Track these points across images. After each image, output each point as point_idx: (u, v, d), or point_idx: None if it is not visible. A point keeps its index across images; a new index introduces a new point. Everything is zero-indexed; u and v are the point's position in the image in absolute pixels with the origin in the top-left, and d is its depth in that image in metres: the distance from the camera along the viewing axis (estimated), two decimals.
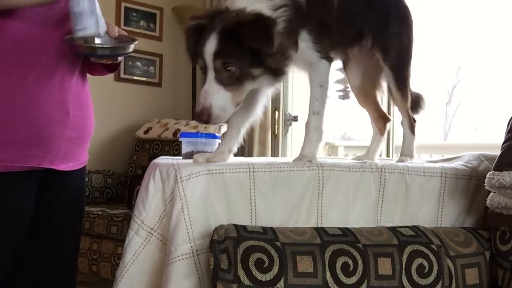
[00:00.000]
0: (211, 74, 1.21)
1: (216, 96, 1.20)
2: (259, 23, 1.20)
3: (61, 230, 1.47)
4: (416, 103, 1.70)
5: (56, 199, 1.44)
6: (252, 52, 1.20)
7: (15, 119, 1.27)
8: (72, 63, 1.38)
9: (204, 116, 1.21)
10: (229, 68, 1.20)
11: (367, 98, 1.73)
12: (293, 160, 1.45)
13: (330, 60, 1.45)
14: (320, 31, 1.40)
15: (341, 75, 1.77)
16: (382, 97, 1.76)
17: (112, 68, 1.50)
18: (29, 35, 1.29)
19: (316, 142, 1.45)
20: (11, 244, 1.34)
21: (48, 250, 1.45)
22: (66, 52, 1.35)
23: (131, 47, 1.36)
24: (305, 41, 1.38)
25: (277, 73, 1.28)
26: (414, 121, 1.67)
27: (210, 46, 1.20)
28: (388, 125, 1.76)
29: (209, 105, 1.20)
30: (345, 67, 1.71)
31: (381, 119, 1.74)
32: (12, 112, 1.27)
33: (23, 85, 1.28)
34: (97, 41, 1.32)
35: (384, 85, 1.71)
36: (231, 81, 1.21)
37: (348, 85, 1.76)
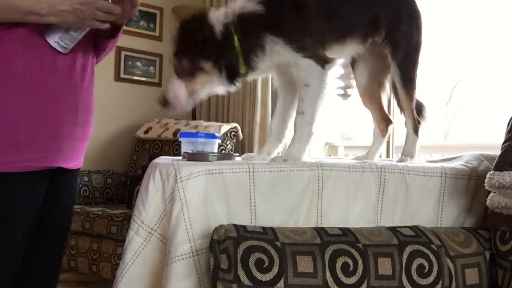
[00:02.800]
0: (174, 70, 1.45)
1: (171, 85, 1.42)
2: (194, 21, 1.42)
3: (59, 225, 1.49)
4: (418, 111, 1.69)
5: (59, 195, 1.46)
6: (195, 46, 1.38)
7: (34, 122, 1.30)
8: (84, 64, 1.42)
9: (162, 100, 1.45)
10: (181, 62, 1.41)
11: (372, 99, 1.73)
12: (271, 159, 1.46)
13: (319, 59, 1.44)
14: (294, 32, 1.42)
15: (342, 71, 1.77)
16: (387, 99, 1.77)
17: (112, 33, 1.48)
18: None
19: (300, 143, 1.45)
20: (24, 240, 1.37)
21: (43, 244, 1.46)
22: (81, 54, 1.39)
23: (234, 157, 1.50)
24: (278, 44, 1.41)
25: (230, 75, 1.43)
26: (419, 122, 1.66)
27: (171, 46, 1.44)
28: (391, 128, 1.75)
29: (165, 91, 1.43)
30: (353, 66, 1.71)
31: (384, 121, 1.74)
32: (32, 115, 1.29)
33: (43, 89, 1.31)
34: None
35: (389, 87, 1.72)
36: (183, 73, 1.41)
37: (349, 83, 1.77)
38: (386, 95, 1.74)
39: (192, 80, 1.42)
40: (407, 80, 1.60)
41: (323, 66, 1.44)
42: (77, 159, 1.47)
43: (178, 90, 1.42)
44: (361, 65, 1.70)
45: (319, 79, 1.44)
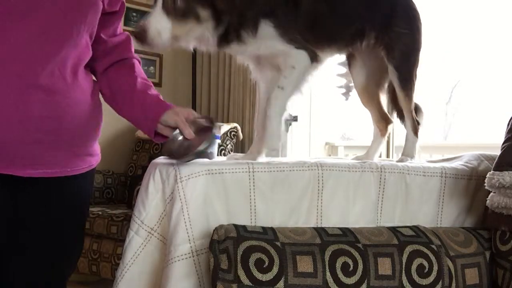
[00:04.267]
0: (159, 2, 1.28)
1: (156, 20, 1.27)
2: None
3: (47, 242, 1.34)
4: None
5: (36, 209, 1.32)
6: None
7: None
8: (43, 61, 1.23)
9: (140, 33, 1.28)
10: (176, 1, 1.27)
11: (371, 98, 1.73)
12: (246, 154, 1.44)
13: (311, 51, 1.44)
14: (289, 29, 1.41)
15: (343, 69, 1.77)
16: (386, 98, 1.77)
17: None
18: None
19: (275, 125, 1.41)
20: None
21: (36, 270, 1.33)
22: (33, 48, 1.20)
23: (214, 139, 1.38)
24: (271, 36, 1.39)
25: (223, 36, 1.34)
26: (418, 123, 1.66)
27: None
28: (390, 127, 1.75)
29: (147, 25, 1.27)
30: (350, 65, 1.71)
31: (383, 120, 1.74)
32: None
33: None
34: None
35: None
36: (175, 13, 1.27)
37: (351, 81, 1.76)
38: (385, 94, 1.74)
39: (180, 23, 1.29)
40: (406, 81, 1.60)
41: (312, 59, 1.44)
42: (47, 167, 1.29)
43: (163, 28, 1.27)
44: (358, 65, 1.69)
45: (306, 67, 1.44)
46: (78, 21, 1.30)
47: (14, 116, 1.20)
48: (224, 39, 1.37)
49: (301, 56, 1.43)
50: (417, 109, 1.68)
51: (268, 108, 1.42)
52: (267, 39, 1.40)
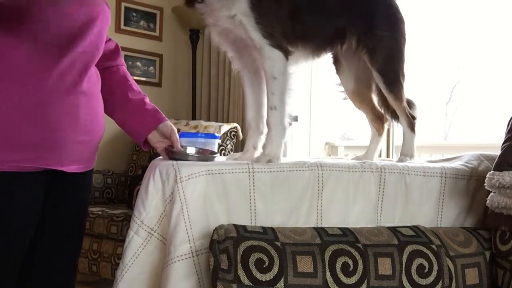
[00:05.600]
0: None
1: None
2: None
3: (68, 230, 1.47)
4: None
5: (64, 200, 1.45)
6: None
7: (27, 123, 1.28)
8: (84, 70, 1.39)
9: None
10: None
11: (363, 101, 1.73)
12: (253, 160, 1.43)
13: (284, 51, 1.42)
14: (267, 16, 1.39)
15: None
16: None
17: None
18: (47, 45, 1.30)
19: (277, 139, 1.42)
20: (25, 243, 1.35)
21: (55, 251, 1.45)
22: (80, 60, 1.37)
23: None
24: (246, 15, 1.38)
25: None
26: (414, 119, 1.66)
27: None
28: (386, 125, 1.75)
29: None
30: (337, 72, 1.70)
31: (378, 119, 1.74)
32: (25, 117, 1.28)
33: (37, 92, 1.29)
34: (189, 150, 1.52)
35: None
36: None
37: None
38: (376, 94, 1.73)
39: None
40: (392, 83, 1.58)
41: (287, 58, 1.42)
42: (83, 163, 1.43)
43: None
44: (345, 70, 1.69)
45: (285, 71, 1.42)
46: (104, 30, 1.45)
47: (68, 121, 1.34)
48: None
49: (277, 58, 1.41)
50: (410, 104, 1.68)
51: (270, 130, 1.43)
52: (242, 20, 1.38)
